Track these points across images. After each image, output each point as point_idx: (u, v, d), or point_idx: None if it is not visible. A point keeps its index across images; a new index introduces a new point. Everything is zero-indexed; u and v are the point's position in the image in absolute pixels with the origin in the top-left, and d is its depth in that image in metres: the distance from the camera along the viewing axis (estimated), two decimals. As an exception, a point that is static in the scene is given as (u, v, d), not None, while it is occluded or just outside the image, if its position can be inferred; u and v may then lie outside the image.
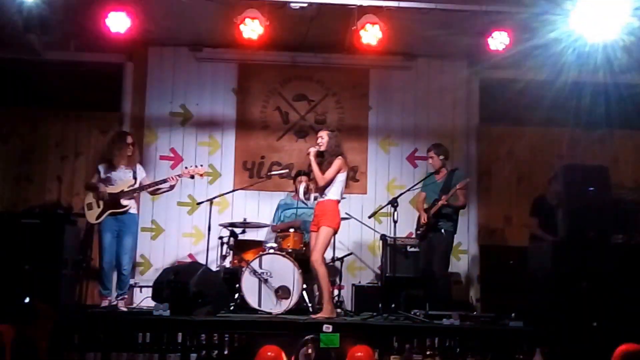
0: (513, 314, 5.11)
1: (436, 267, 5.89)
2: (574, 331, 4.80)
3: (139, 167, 5.93)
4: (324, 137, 5.53)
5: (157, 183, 5.84)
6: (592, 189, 5.34)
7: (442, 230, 5.94)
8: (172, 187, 5.90)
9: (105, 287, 5.71)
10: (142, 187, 5.80)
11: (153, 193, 6.11)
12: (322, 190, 5.46)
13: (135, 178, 5.80)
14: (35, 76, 7.18)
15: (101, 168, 5.79)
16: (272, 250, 5.89)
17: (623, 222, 5.57)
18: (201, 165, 6.10)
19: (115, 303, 5.67)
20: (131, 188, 5.72)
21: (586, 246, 5.13)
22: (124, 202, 5.67)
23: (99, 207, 5.66)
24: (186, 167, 6.07)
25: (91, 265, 6.50)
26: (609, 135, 7.61)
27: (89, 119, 7.34)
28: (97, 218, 5.66)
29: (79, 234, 5.96)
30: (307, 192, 5.93)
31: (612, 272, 5.03)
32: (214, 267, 6.17)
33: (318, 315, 5.24)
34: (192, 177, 5.96)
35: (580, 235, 5.22)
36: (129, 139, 5.88)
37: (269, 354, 4.53)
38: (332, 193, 5.45)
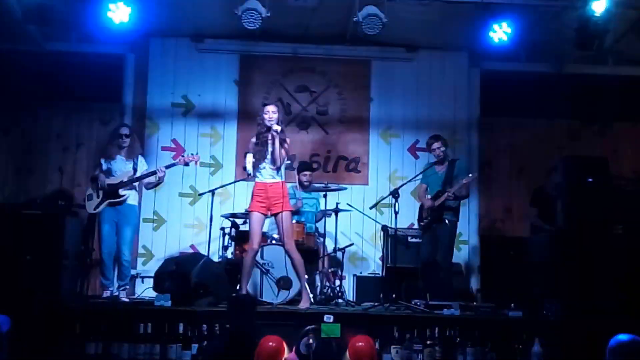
0: (513, 304, 5.14)
1: (441, 257, 5.90)
2: (572, 321, 4.84)
3: (140, 159, 5.93)
4: (275, 111, 5.25)
5: (145, 176, 5.82)
6: (591, 180, 5.36)
7: (447, 221, 5.95)
8: (160, 180, 5.87)
9: (106, 278, 5.72)
10: (132, 180, 5.78)
11: (146, 187, 6.10)
12: (276, 170, 5.24)
13: (135, 170, 5.80)
14: (36, 67, 7.18)
15: (102, 161, 5.83)
16: (273, 241, 5.91)
17: (622, 213, 5.59)
18: (196, 154, 6.07)
19: (116, 294, 5.69)
20: (129, 179, 5.74)
21: (585, 237, 5.16)
22: (122, 192, 5.69)
23: (98, 197, 5.69)
24: (182, 156, 6.08)
25: (92, 256, 6.53)
26: (609, 127, 7.63)
27: (90, 110, 7.35)
28: (96, 208, 5.68)
29: (80, 225, 5.96)
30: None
31: (612, 263, 5.06)
32: (215, 258, 6.20)
33: (301, 305, 5.23)
34: (187, 164, 5.95)
35: (580, 225, 5.25)
36: (123, 130, 5.90)
37: (271, 344, 4.55)
38: (282, 174, 5.28)
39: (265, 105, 5.40)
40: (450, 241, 5.98)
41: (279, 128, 5.16)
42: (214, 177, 7.10)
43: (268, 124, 5.20)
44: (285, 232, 5.22)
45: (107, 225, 5.70)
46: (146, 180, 5.84)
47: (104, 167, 5.78)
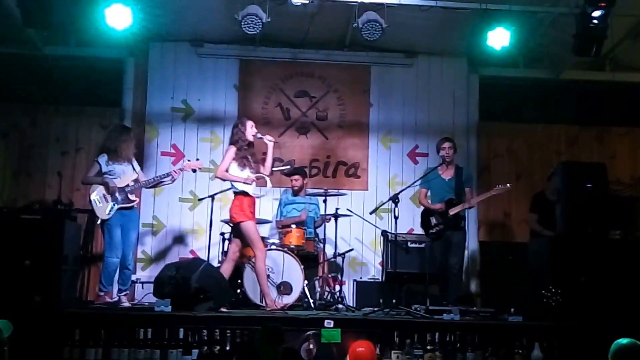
0: (512, 309, 5.15)
1: (454, 261, 5.93)
2: (572, 326, 4.85)
3: (134, 161, 5.87)
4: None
5: (160, 177, 5.82)
6: (589, 185, 5.39)
7: (462, 226, 6.00)
8: (173, 180, 5.87)
9: (109, 283, 5.67)
10: (146, 182, 5.76)
11: (155, 186, 6.09)
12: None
13: (136, 172, 5.77)
14: (35, 71, 7.18)
15: (102, 160, 5.62)
16: (274, 246, 5.91)
17: (620, 218, 5.62)
18: (197, 159, 6.07)
19: (117, 299, 5.66)
20: (135, 182, 5.68)
21: (584, 242, 5.18)
22: (131, 197, 5.65)
23: (107, 201, 5.58)
24: (189, 160, 6.09)
25: (92, 261, 6.51)
26: (606, 132, 7.68)
27: (90, 115, 7.34)
28: (109, 213, 5.56)
29: (80, 229, 5.94)
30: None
31: (610, 267, 5.09)
32: (215, 263, 6.18)
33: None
34: (195, 170, 5.96)
35: (578, 230, 5.27)
36: (121, 128, 5.88)
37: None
38: None
39: (244, 120, 5.70)
40: (464, 246, 6.05)
41: (273, 139, 5.63)
42: (214, 182, 7.07)
43: (252, 138, 5.60)
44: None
45: (118, 229, 5.57)
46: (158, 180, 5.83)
47: (105, 168, 5.60)
